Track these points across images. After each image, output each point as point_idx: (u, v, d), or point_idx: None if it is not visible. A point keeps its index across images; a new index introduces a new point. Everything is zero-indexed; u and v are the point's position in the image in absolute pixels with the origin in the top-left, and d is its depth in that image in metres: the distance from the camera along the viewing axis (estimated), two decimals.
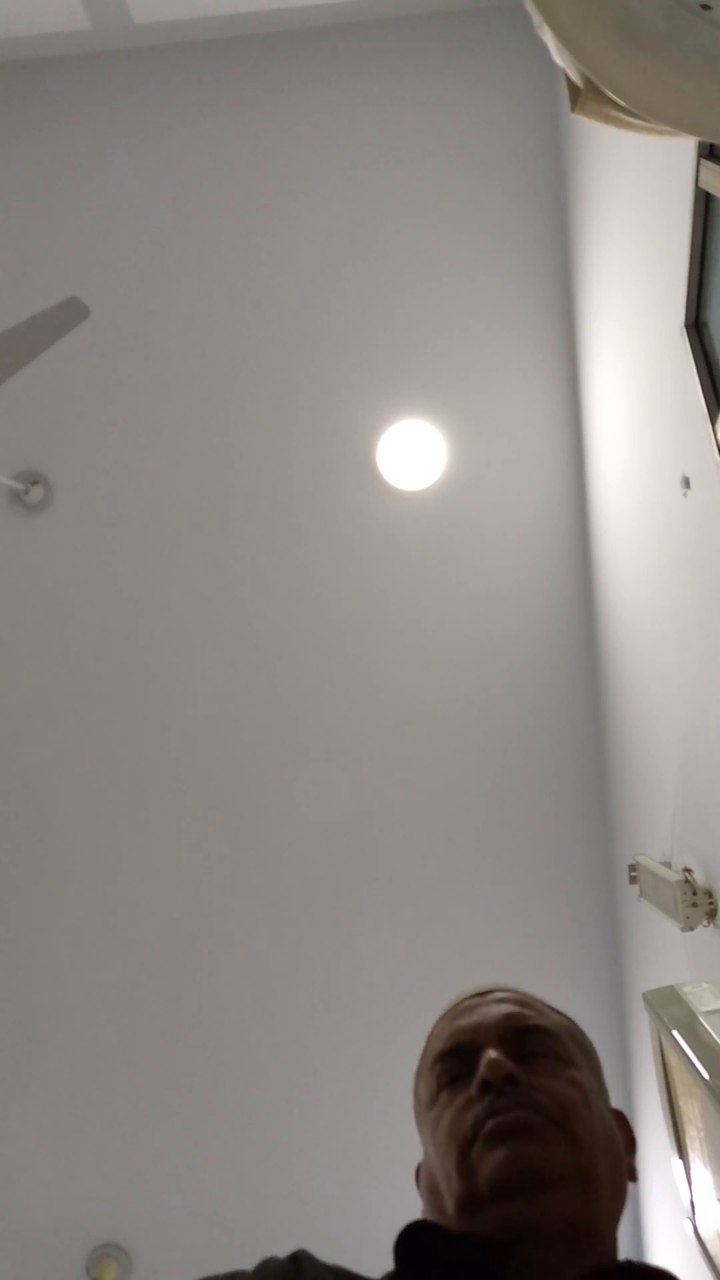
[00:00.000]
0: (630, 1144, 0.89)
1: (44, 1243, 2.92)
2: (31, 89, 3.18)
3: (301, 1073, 2.90)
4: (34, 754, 3.05)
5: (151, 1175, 2.92)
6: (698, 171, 1.51)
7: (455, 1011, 0.92)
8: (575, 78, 1.04)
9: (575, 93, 1.07)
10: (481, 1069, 0.82)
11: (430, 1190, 0.84)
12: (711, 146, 1.47)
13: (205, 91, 3.14)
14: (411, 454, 2.98)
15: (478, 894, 2.91)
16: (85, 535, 3.09)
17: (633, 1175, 0.86)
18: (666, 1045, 1.57)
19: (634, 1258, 0.80)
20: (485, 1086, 0.81)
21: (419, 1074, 0.92)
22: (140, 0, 2.98)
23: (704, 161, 1.49)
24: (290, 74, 3.12)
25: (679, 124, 1.00)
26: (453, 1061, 0.87)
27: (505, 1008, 0.89)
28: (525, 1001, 0.91)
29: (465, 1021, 0.89)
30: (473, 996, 0.93)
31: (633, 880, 2.12)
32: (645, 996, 1.65)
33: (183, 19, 3.06)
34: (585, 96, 1.04)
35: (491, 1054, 0.83)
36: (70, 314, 2.14)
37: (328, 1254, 0.84)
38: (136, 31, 3.09)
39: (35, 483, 3.08)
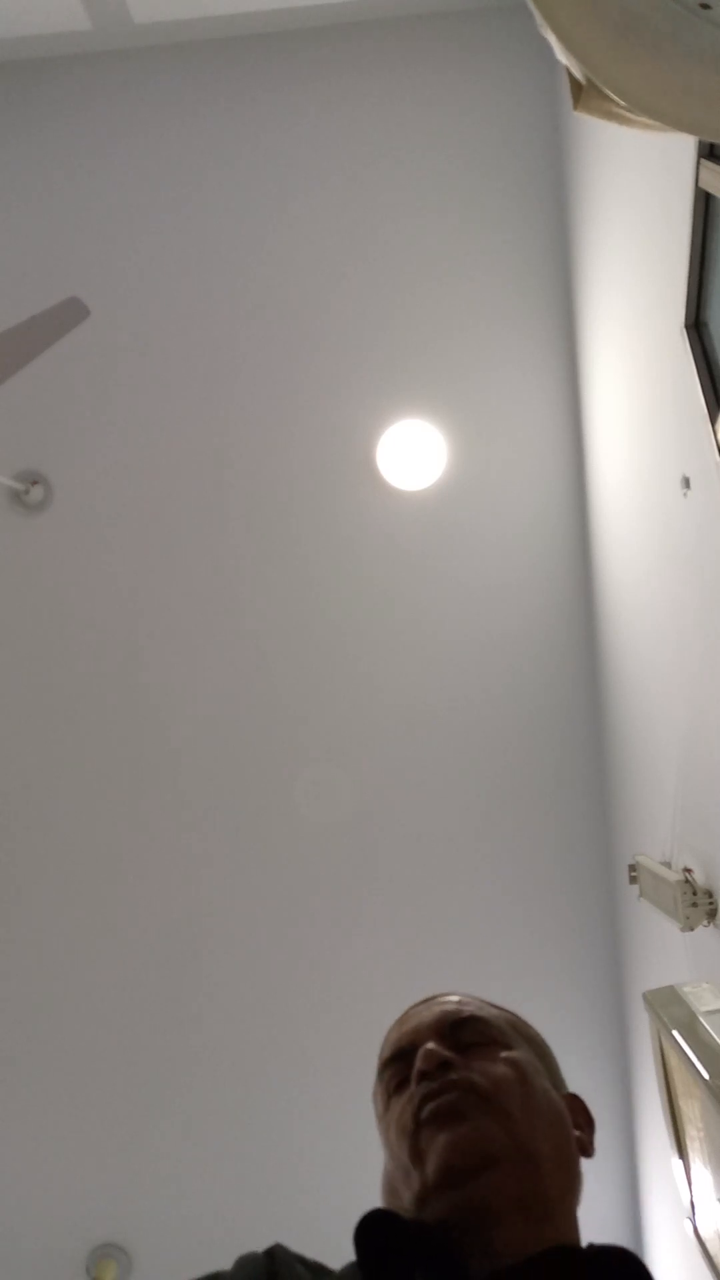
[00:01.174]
0: (587, 1123, 0.92)
1: (44, 1243, 2.92)
2: (31, 89, 3.18)
3: (301, 1073, 2.90)
4: (34, 754, 3.05)
5: (151, 1175, 2.92)
6: (698, 171, 1.52)
7: (400, 1021, 0.97)
8: (578, 75, 1.04)
9: (578, 90, 1.07)
10: (418, 1062, 0.86)
11: (391, 1193, 0.86)
12: (711, 146, 1.47)
13: (205, 91, 3.14)
14: (411, 454, 2.98)
15: (478, 894, 2.91)
16: (85, 535, 3.09)
17: (586, 1151, 0.89)
18: (666, 1045, 1.58)
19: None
20: (422, 1076, 0.85)
21: (374, 1090, 0.95)
22: (140, 0, 2.98)
23: (704, 161, 1.49)
24: (290, 74, 3.12)
25: (679, 124, 1.00)
26: (398, 1066, 0.91)
27: (443, 1007, 0.94)
28: (464, 1000, 0.96)
29: (406, 1027, 0.94)
30: (417, 1005, 0.98)
31: (633, 880, 2.12)
32: (645, 996, 1.65)
33: (183, 19, 3.06)
34: (588, 94, 1.04)
35: (428, 1046, 0.87)
36: (70, 314, 2.14)
37: (328, 1254, 0.85)
38: (136, 31, 3.09)
39: (35, 483, 3.08)
